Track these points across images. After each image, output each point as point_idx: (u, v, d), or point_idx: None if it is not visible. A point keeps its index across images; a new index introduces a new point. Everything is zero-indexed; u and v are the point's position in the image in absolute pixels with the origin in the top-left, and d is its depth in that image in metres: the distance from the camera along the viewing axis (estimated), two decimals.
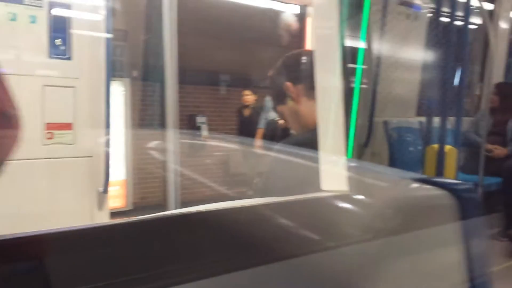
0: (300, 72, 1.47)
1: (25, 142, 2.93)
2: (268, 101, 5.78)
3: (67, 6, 3.02)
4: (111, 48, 3.18)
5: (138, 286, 0.68)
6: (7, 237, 0.61)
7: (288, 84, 1.48)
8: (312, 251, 0.91)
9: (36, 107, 2.91)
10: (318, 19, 0.95)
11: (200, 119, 6.65)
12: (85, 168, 3.13)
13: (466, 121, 5.12)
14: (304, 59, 1.49)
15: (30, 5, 2.87)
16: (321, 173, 0.95)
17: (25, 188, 2.88)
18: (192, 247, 0.77)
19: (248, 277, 0.81)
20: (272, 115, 5.70)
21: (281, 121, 5.42)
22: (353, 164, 1.00)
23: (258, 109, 6.38)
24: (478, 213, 1.05)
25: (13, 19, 2.82)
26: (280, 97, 1.52)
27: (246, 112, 6.62)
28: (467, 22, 3.86)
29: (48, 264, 0.62)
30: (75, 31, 3.05)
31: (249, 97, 6.56)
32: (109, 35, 3.14)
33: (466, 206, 1.00)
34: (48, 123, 2.96)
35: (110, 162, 3.18)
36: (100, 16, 3.14)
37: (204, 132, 6.63)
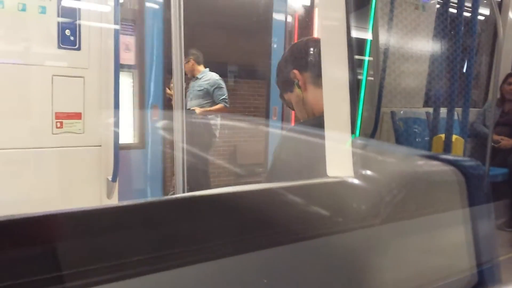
0: (308, 60, 1.48)
1: (35, 131, 2.98)
2: (193, 87, 5.16)
3: None
4: (119, 38, 3.20)
5: (149, 266, 0.70)
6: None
7: (295, 71, 1.49)
8: (317, 235, 0.93)
9: (46, 97, 2.95)
10: (325, 9, 0.96)
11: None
12: (94, 156, 3.17)
13: (474, 112, 5.11)
14: (312, 47, 1.50)
15: None
16: (327, 159, 0.97)
17: (35, 176, 2.93)
18: (198, 229, 0.79)
19: (256, 259, 0.83)
20: (194, 103, 5.10)
21: (198, 110, 4.92)
22: (359, 142, 1.01)
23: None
24: (485, 190, 1.07)
25: (23, 10, 2.85)
26: (287, 85, 1.54)
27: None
28: (475, 13, 3.84)
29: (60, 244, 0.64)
30: (84, 22, 3.07)
31: None
32: (118, 26, 3.16)
33: (473, 182, 1.01)
34: (57, 113, 3.00)
35: (119, 151, 3.21)
36: (109, 6, 3.16)
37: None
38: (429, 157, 1.16)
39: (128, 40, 4.21)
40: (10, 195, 2.86)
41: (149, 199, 0.81)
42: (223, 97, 5.07)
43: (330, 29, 0.96)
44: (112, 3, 3.13)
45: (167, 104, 5.49)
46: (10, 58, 2.86)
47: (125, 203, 0.78)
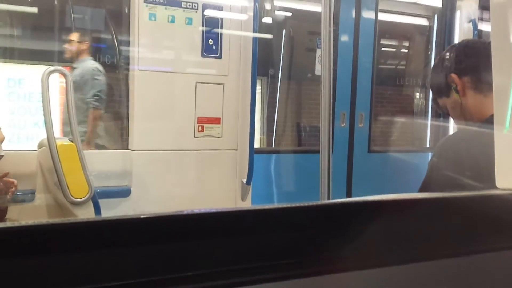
0: (468, 64, 1.40)
1: (179, 134, 3.18)
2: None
3: (219, 8, 3.22)
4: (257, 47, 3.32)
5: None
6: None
7: (454, 76, 1.42)
8: (473, 251, 0.88)
9: (190, 102, 3.15)
10: (499, 9, 0.91)
11: None
12: (231, 160, 3.32)
13: None
14: (473, 50, 1.42)
15: (187, 8, 3.10)
16: (497, 168, 0.91)
17: (177, 175, 3.14)
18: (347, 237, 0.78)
19: (405, 272, 0.81)
20: None
21: None
22: None
23: None
24: None
25: (172, 21, 3.07)
26: (442, 89, 1.47)
27: None
28: None
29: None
30: (225, 31, 3.24)
31: None
32: (256, 35, 3.28)
33: None
34: (199, 117, 3.19)
35: (254, 155, 3.32)
36: (248, 16, 3.30)
37: None
38: None
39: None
40: (156, 193, 3.10)
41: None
42: (94, 94, 3.73)
43: (505, 31, 0.90)
44: (251, 13, 3.27)
45: None
46: (159, 66, 3.10)
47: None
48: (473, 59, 1.40)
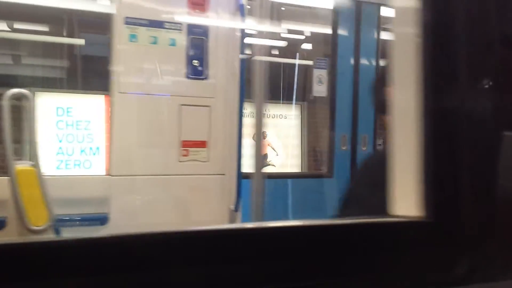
0: None
1: (163, 159, 3.07)
2: None
3: (204, 28, 3.13)
4: (245, 68, 3.21)
5: None
6: None
7: (389, 89, 1.25)
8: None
9: (174, 126, 3.05)
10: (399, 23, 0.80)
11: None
12: (218, 185, 3.18)
13: None
14: None
15: (170, 29, 3.03)
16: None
17: (160, 201, 3.02)
18: None
19: None
20: None
21: None
22: None
23: None
24: None
25: (154, 43, 2.99)
26: (384, 106, 1.30)
27: None
28: None
29: None
30: (211, 52, 3.14)
31: None
32: (244, 56, 3.18)
33: None
34: (184, 141, 3.08)
35: (241, 181, 3.18)
36: (235, 37, 3.20)
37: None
38: None
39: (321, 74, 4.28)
40: (137, 220, 2.99)
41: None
42: None
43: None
44: (238, 34, 3.17)
45: None
46: (141, 89, 3.01)
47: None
48: None
